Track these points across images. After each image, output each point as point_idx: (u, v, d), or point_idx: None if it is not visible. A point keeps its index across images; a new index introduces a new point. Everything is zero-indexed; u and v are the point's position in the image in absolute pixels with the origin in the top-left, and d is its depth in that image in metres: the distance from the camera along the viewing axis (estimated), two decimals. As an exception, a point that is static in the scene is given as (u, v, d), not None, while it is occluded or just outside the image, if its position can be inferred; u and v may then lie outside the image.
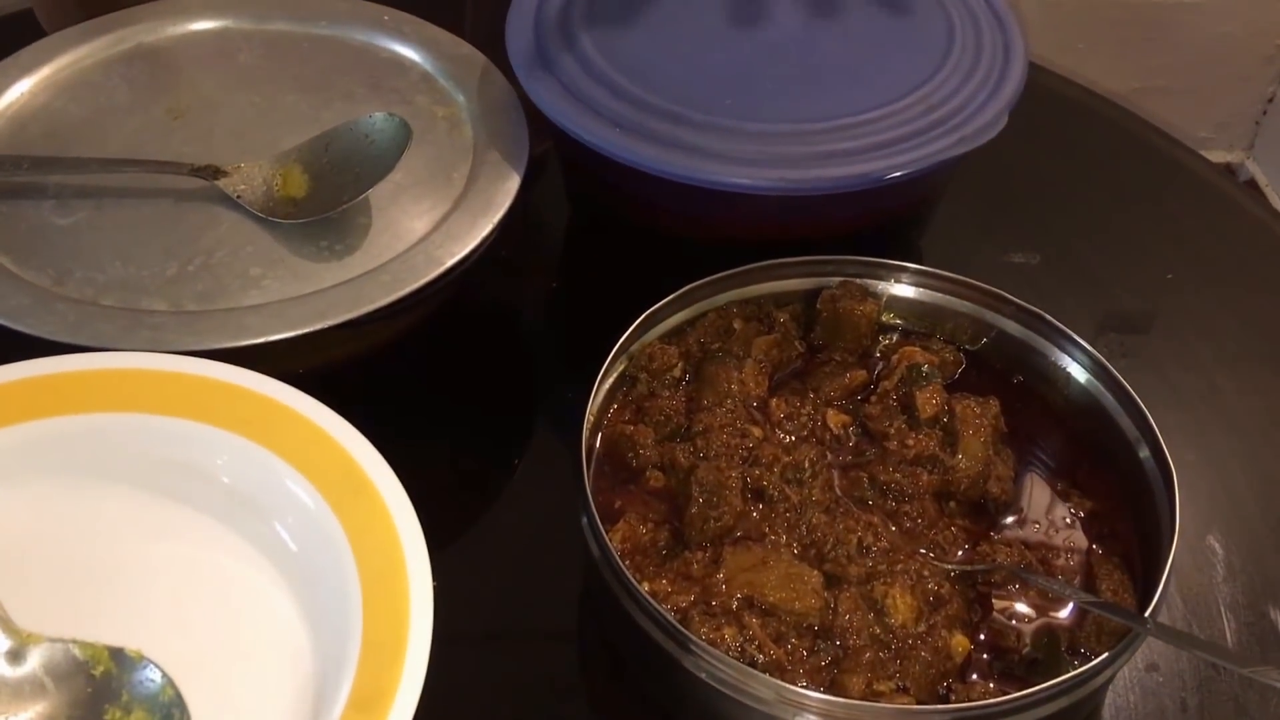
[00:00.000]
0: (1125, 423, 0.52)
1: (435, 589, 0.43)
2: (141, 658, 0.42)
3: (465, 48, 0.67)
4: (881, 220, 0.62)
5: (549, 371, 0.65)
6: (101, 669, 0.42)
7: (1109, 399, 0.53)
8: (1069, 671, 0.43)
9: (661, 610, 0.45)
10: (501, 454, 0.60)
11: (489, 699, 0.50)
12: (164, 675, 0.41)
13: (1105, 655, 0.44)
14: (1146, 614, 0.45)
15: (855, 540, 0.50)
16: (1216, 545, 0.57)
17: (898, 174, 0.56)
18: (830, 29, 0.63)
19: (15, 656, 0.41)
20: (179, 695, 0.41)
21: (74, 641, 0.42)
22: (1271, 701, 0.51)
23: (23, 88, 0.63)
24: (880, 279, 0.58)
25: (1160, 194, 0.75)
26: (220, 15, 0.68)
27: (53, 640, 0.42)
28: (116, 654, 0.42)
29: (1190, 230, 0.73)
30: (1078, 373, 0.55)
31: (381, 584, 0.42)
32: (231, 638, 0.44)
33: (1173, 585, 0.46)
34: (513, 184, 0.59)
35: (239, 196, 0.57)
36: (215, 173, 0.58)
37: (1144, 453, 0.51)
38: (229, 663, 0.43)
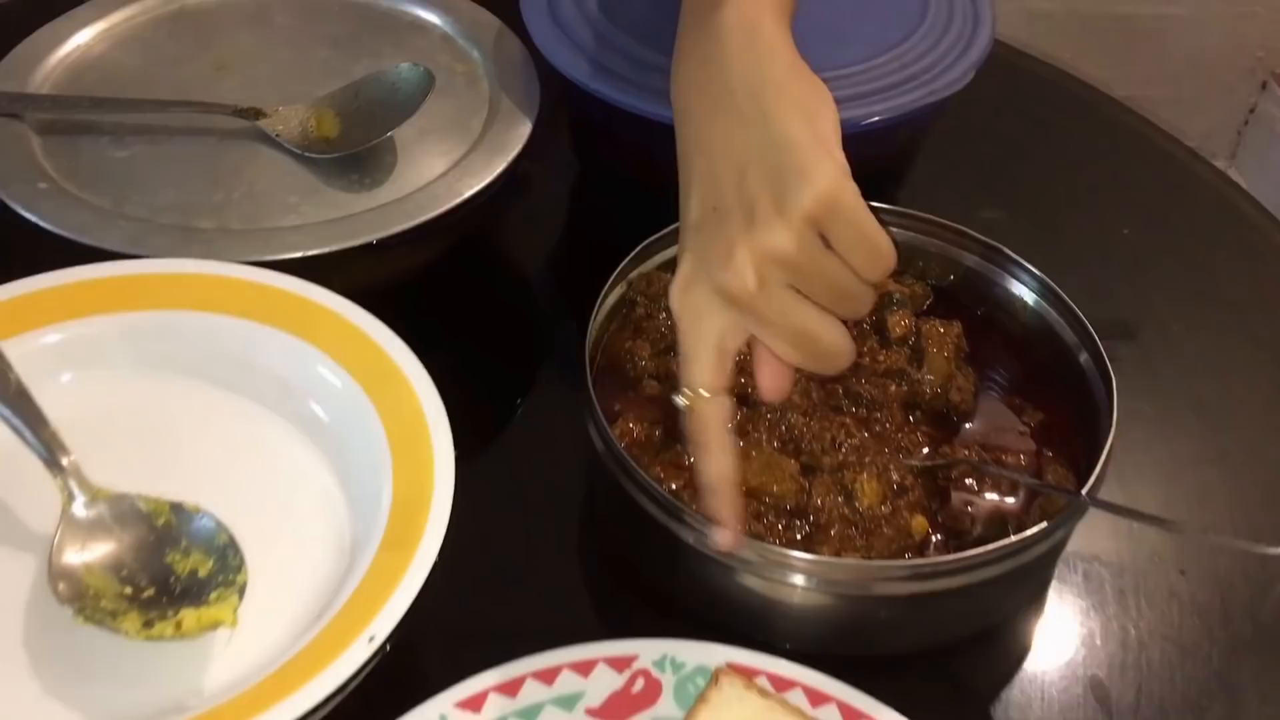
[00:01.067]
0: (1069, 335, 0.58)
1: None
2: (199, 509, 0.47)
3: (481, 11, 0.73)
4: (860, 169, 0.68)
5: (556, 300, 0.72)
6: (163, 520, 0.47)
7: (1054, 317, 0.59)
8: (1014, 540, 0.49)
9: (658, 486, 0.51)
10: (514, 374, 0.66)
11: (496, 590, 0.56)
12: (218, 522, 0.47)
13: (1044, 524, 0.50)
14: (1084, 491, 0.51)
15: (829, 437, 0.56)
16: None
17: (874, 120, 0.62)
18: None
19: (88, 507, 0.47)
20: (233, 539, 0.46)
21: (139, 496, 0.48)
22: (1195, 585, 0.57)
23: (80, 40, 0.69)
24: (857, 218, 0.65)
25: (1120, 159, 0.82)
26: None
27: (120, 495, 0.48)
28: (176, 507, 0.48)
29: (1146, 193, 0.79)
30: (1031, 299, 0.61)
31: (408, 446, 0.48)
32: (276, 497, 0.50)
33: (1111, 469, 0.52)
34: (524, 130, 0.66)
35: (278, 135, 0.64)
36: (257, 114, 0.64)
37: (1084, 357, 0.57)
38: (274, 517, 0.49)
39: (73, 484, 0.47)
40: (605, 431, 0.53)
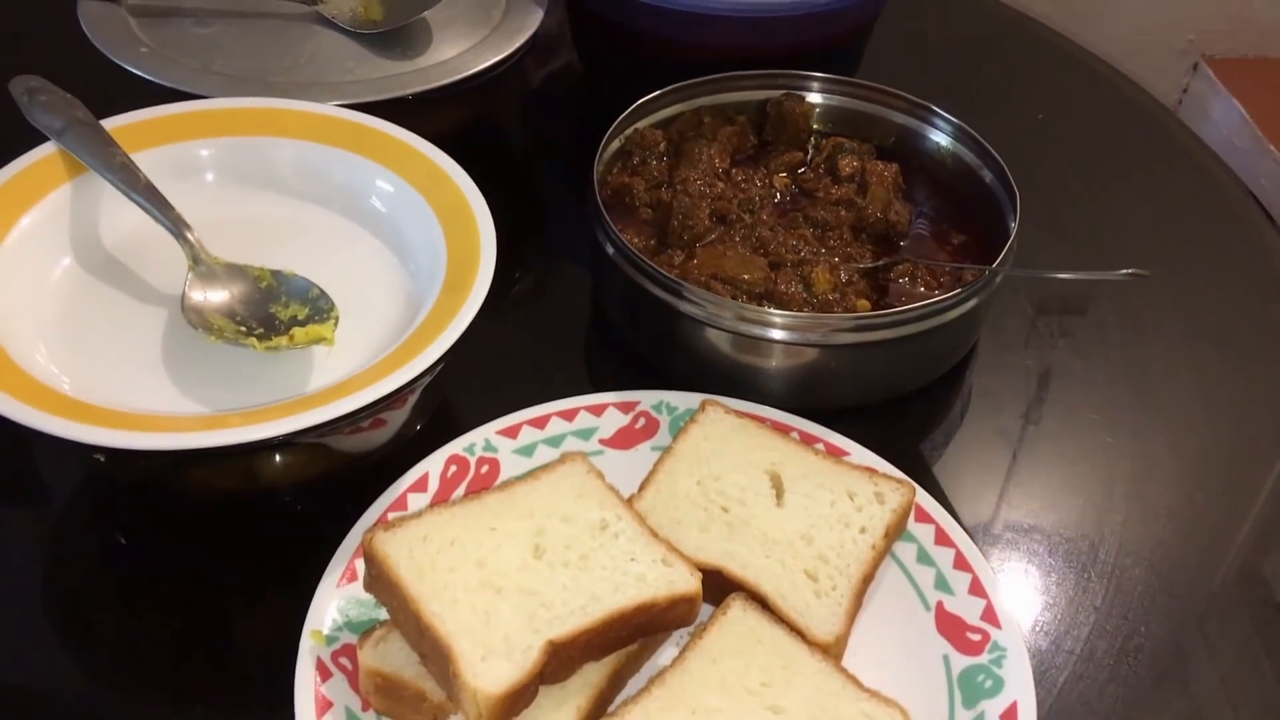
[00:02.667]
0: (979, 165, 0.72)
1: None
2: (294, 273, 0.60)
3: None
4: (818, 48, 0.82)
5: (566, 155, 0.85)
6: (265, 283, 0.60)
7: (971, 157, 0.73)
8: (936, 300, 0.63)
9: (660, 269, 0.64)
10: (532, 214, 0.79)
11: (526, 361, 0.69)
12: (309, 280, 0.59)
13: (960, 290, 0.63)
14: (993, 265, 0.64)
15: (792, 244, 0.69)
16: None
17: (828, 3, 0.76)
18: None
19: (207, 267, 0.60)
20: (323, 291, 0.59)
21: (247, 266, 0.60)
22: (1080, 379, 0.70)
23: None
24: (814, 90, 0.78)
25: (1039, 64, 0.96)
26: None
27: (231, 263, 0.60)
28: (276, 273, 0.60)
29: (1060, 89, 0.94)
30: (948, 144, 0.75)
31: (455, 224, 0.61)
32: (351, 269, 0.63)
33: (1012, 257, 0.65)
34: (534, 18, 0.79)
35: (334, 17, 0.77)
36: (315, 1, 0.77)
37: (989, 178, 0.71)
38: (352, 284, 0.61)
39: (196, 249, 0.59)
40: (614, 234, 0.66)
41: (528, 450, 0.61)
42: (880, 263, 0.69)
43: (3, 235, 0.58)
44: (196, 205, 0.62)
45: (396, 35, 0.76)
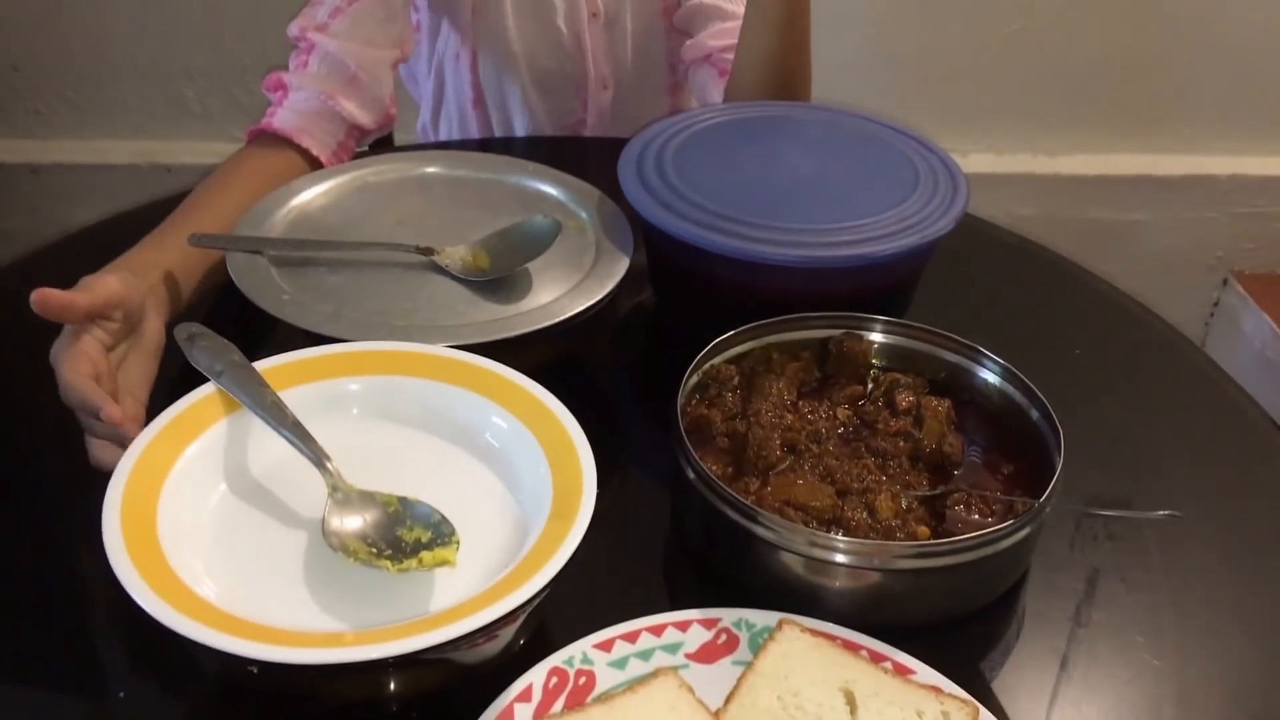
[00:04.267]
0: (1026, 405, 0.80)
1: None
2: (418, 500, 0.68)
3: (584, 184, 0.98)
4: (871, 294, 0.91)
5: (646, 384, 0.95)
6: (393, 508, 0.68)
7: (1018, 395, 0.81)
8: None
9: (738, 496, 0.71)
10: (617, 438, 0.87)
11: (615, 577, 0.76)
12: (432, 507, 0.67)
13: (1012, 520, 0.70)
14: (1042, 499, 0.71)
15: (856, 473, 0.77)
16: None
17: (883, 254, 0.86)
18: (834, 169, 0.95)
19: (344, 495, 0.68)
20: (444, 517, 0.67)
21: (376, 492, 0.68)
22: (1134, 588, 0.76)
23: (294, 203, 0.94)
24: (871, 330, 0.87)
25: (1074, 303, 1.05)
26: (420, 164, 1.00)
27: (364, 490, 0.68)
28: (402, 499, 0.68)
29: (1094, 327, 1.02)
30: (997, 383, 0.83)
31: (560, 457, 0.69)
32: (466, 495, 0.71)
33: (1058, 492, 0.72)
34: (622, 265, 0.89)
35: (447, 266, 0.87)
36: (431, 251, 0.88)
37: (1034, 415, 0.78)
38: (467, 509, 0.69)
39: (333, 479, 0.68)
40: (695, 462, 0.74)
41: (621, 663, 0.67)
42: (937, 491, 0.76)
43: (172, 464, 0.67)
44: (338, 435, 0.71)
45: (501, 282, 0.87)
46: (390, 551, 0.65)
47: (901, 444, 0.80)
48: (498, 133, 1.30)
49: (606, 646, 0.68)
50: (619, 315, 0.98)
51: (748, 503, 0.71)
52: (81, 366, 0.72)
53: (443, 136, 1.34)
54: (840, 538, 0.70)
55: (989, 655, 0.72)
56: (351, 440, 0.73)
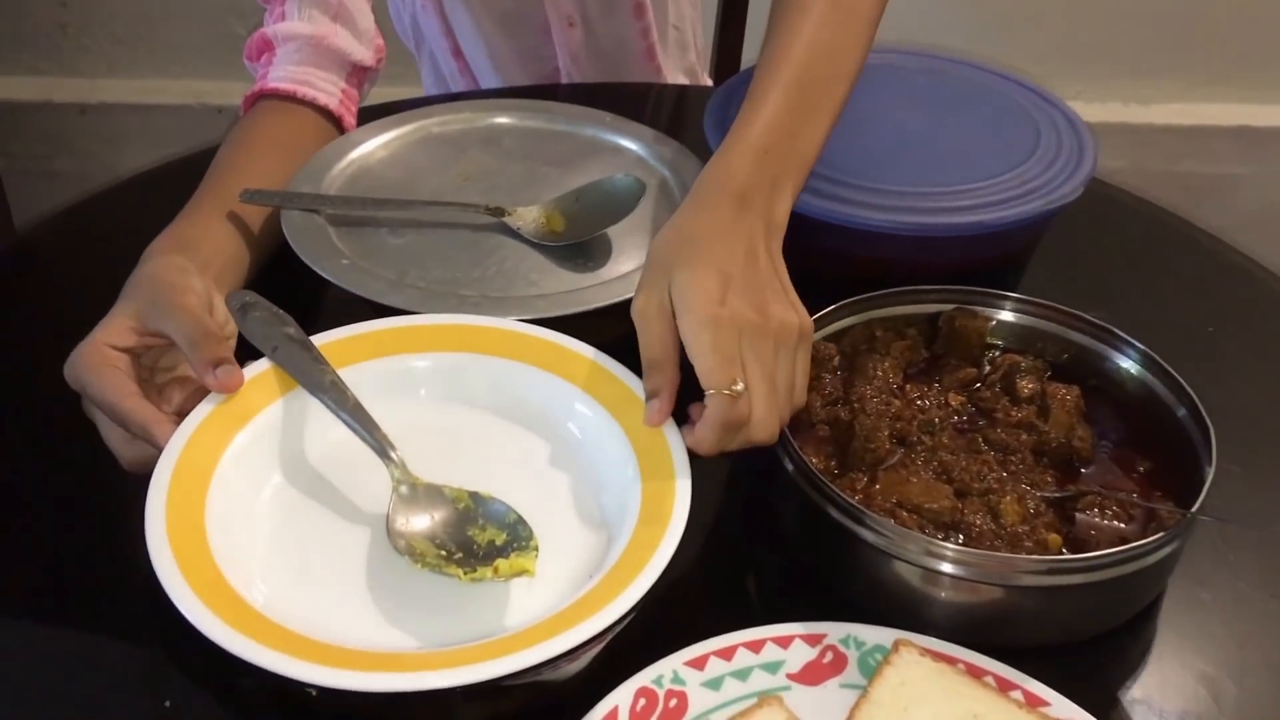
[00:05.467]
0: (1170, 398, 0.71)
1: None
2: (491, 496, 0.61)
3: (663, 137, 0.90)
4: (984, 265, 0.82)
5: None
6: (463, 505, 0.61)
7: (1160, 386, 0.72)
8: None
9: (844, 495, 0.64)
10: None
11: (709, 585, 0.69)
12: (508, 505, 0.60)
13: (1161, 534, 0.62)
14: (1193, 510, 0.63)
15: (975, 470, 0.68)
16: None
17: (1003, 222, 0.77)
18: (947, 125, 0.86)
19: (410, 489, 0.61)
20: (521, 518, 0.60)
21: (445, 486, 0.62)
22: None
23: (354, 155, 0.87)
24: (989, 304, 0.78)
25: (1199, 271, 0.95)
26: (487, 114, 0.92)
27: (431, 484, 0.62)
28: (474, 495, 0.61)
29: (1225, 298, 0.92)
30: (1136, 370, 0.74)
31: (649, 451, 0.62)
32: (544, 492, 0.64)
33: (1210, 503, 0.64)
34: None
35: (519, 229, 0.80)
36: (502, 212, 0.80)
37: (1183, 413, 0.69)
38: (545, 508, 0.62)
39: (398, 471, 0.61)
40: (796, 453, 0.66)
41: (715, 683, 0.60)
42: (1068, 493, 0.68)
43: (221, 453, 0.61)
44: (402, 418, 0.64)
45: (578, 248, 0.79)
46: (461, 555, 0.58)
47: (1024, 437, 0.71)
48: (483, 84, 1.20)
49: (699, 664, 0.61)
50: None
51: (854, 502, 0.63)
52: (123, 384, 0.63)
53: (435, 94, 1.25)
54: (961, 547, 0.62)
55: (1127, 682, 0.64)
56: (417, 425, 0.66)
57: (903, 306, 0.79)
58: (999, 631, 0.64)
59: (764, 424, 0.63)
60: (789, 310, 0.66)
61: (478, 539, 0.59)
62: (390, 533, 0.58)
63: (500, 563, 0.57)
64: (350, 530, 0.61)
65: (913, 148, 0.85)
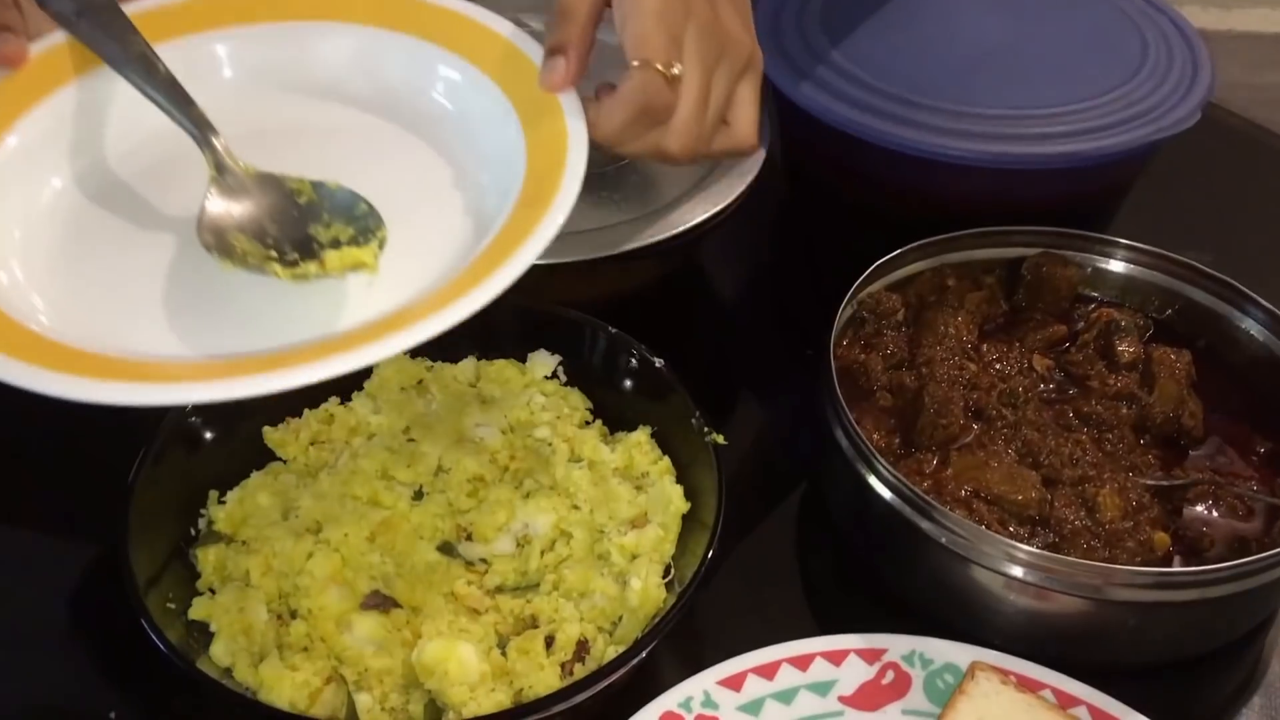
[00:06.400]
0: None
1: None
2: (339, 186, 0.49)
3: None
4: (1077, 203, 0.70)
5: (784, 317, 0.75)
6: (305, 198, 0.49)
7: (1286, 350, 0.61)
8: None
9: (909, 483, 0.53)
10: (742, 387, 0.69)
11: (748, 586, 0.59)
12: (356, 194, 0.49)
13: (1292, 544, 0.51)
14: (1332, 512, 0.52)
15: (1067, 452, 0.58)
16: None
17: (1105, 152, 0.65)
18: (1036, 34, 0.73)
19: (235, 177, 0.49)
20: (372, 207, 0.48)
21: (283, 176, 0.50)
22: None
23: None
24: (1081, 250, 0.67)
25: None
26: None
27: (266, 173, 0.50)
28: (318, 185, 0.50)
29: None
30: (1259, 332, 0.62)
31: (538, 122, 0.51)
32: (402, 181, 0.53)
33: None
34: (756, 161, 0.69)
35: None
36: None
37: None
38: (404, 200, 0.51)
39: (221, 155, 0.50)
40: (853, 429, 0.56)
41: (754, 707, 0.51)
42: (1178, 481, 0.57)
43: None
44: (220, 109, 0.52)
45: (605, 177, 0.68)
46: (295, 255, 0.47)
47: (1124, 410, 0.60)
48: None
49: (735, 684, 0.51)
50: (751, 224, 0.78)
51: (922, 492, 0.53)
52: None
53: None
54: (1049, 553, 0.52)
55: (1230, 711, 0.54)
56: (244, 113, 0.54)
57: (980, 250, 0.67)
58: (1088, 649, 0.54)
59: (684, 130, 0.53)
60: (746, 28, 0.56)
61: (319, 236, 0.48)
62: (200, 226, 0.48)
63: (329, 255, 0.47)
64: (154, 238, 0.51)
65: (995, 61, 0.72)
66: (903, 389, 0.61)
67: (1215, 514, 0.56)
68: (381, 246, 0.47)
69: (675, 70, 0.51)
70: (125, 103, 0.53)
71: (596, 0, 0.52)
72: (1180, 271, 0.65)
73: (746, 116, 0.56)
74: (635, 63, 0.51)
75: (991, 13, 0.75)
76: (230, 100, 0.55)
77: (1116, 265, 0.67)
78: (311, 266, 0.47)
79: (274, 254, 0.47)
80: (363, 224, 0.48)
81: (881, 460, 0.54)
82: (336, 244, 0.48)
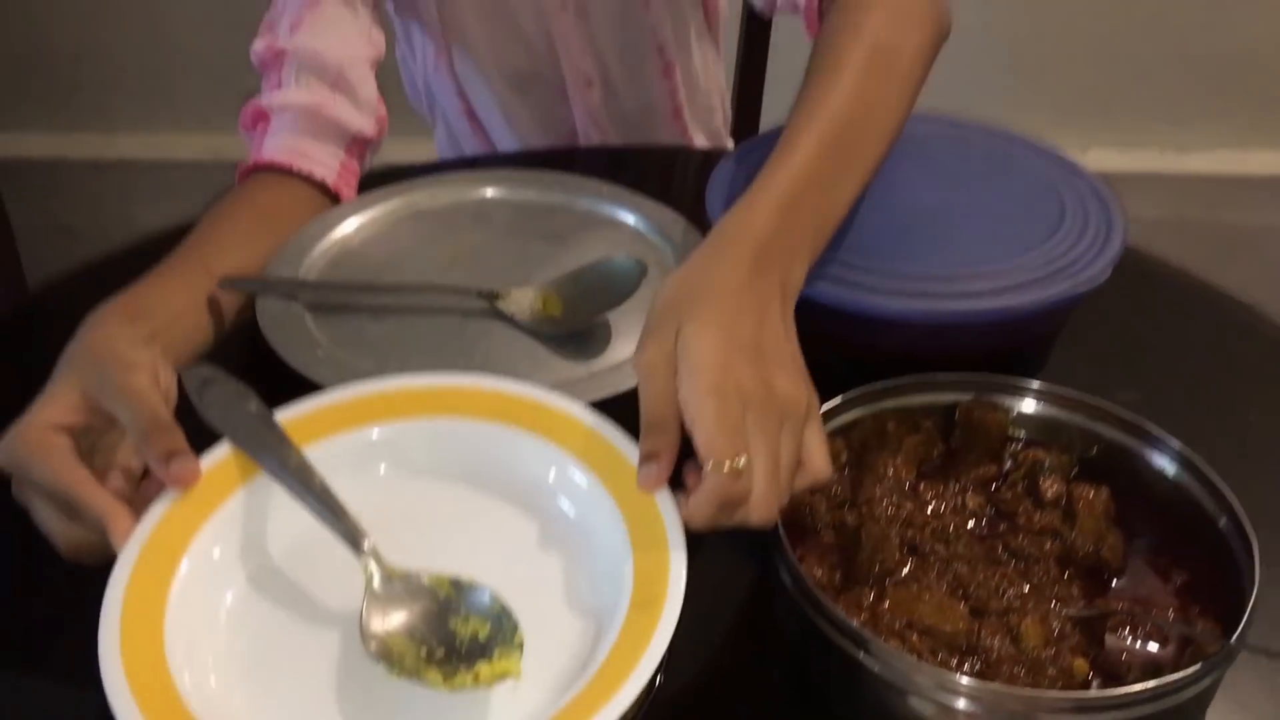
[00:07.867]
0: (1210, 504, 0.65)
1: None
2: (474, 583, 0.56)
3: (665, 209, 0.85)
4: (1008, 350, 0.77)
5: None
6: (444, 593, 0.56)
7: (1197, 487, 0.66)
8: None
9: (846, 618, 0.58)
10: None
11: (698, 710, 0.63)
12: (492, 593, 0.55)
13: (1199, 665, 0.56)
14: (1233, 638, 0.57)
15: (994, 584, 0.63)
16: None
17: (1028, 307, 0.71)
18: (962, 201, 0.80)
19: (385, 582, 0.56)
20: (506, 607, 0.55)
21: (424, 573, 0.57)
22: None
23: (335, 235, 0.83)
24: (1009, 395, 0.73)
25: (1239, 349, 0.89)
26: (476, 187, 0.88)
27: (409, 573, 0.57)
28: (455, 582, 0.56)
29: (1268, 379, 0.86)
30: (1171, 470, 0.68)
31: (644, 532, 0.57)
32: (532, 578, 0.59)
33: (1256, 623, 0.58)
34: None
35: (512, 314, 0.75)
36: (494, 296, 0.76)
37: (1224, 523, 0.63)
38: (531, 594, 0.57)
39: (372, 564, 0.56)
40: (793, 566, 0.61)
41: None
42: (1096, 612, 0.62)
43: (178, 560, 0.57)
44: (372, 495, 0.60)
45: (576, 335, 0.74)
46: (443, 652, 0.54)
47: (1048, 545, 0.66)
48: (499, 145, 1.16)
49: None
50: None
51: (857, 626, 0.58)
52: (74, 468, 0.59)
53: (450, 155, 1.22)
54: (977, 681, 0.56)
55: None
56: (388, 502, 0.62)
57: (918, 396, 0.73)
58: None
59: (762, 505, 0.58)
60: (797, 384, 0.61)
61: (460, 632, 0.54)
62: (364, 635, 0.54)
63: (482, 667, 0.52)
64: (320, 636, 0.57)
65: (927, 225, 0.80)
66: (844, 527, 0.67)
67: (1134, 641, 0.61)
68: (522, 651, 0.53)
69: (741, 463, 0.57)
70: (285, 502, 0.59)
71: (678, 411, 0.59)
72: (1098, 414, 0.71)
73: (818, 455, 0.61)
74: (707, 467, 0.57)
75: (921, 179, 0.83)
76: (375, 487, 0.63)
77: (1042, 408, 0.73)
78: (467, 679, 0.53)
79: (425, 652, 0.53)
80: (498, 622, 0.55)
81: (822, 597, 0.59)
82: (475, 639, 0.54)
